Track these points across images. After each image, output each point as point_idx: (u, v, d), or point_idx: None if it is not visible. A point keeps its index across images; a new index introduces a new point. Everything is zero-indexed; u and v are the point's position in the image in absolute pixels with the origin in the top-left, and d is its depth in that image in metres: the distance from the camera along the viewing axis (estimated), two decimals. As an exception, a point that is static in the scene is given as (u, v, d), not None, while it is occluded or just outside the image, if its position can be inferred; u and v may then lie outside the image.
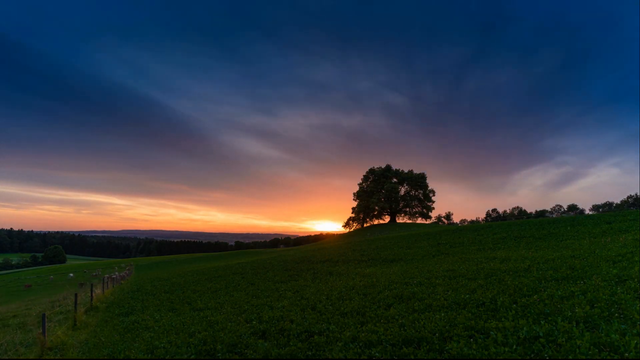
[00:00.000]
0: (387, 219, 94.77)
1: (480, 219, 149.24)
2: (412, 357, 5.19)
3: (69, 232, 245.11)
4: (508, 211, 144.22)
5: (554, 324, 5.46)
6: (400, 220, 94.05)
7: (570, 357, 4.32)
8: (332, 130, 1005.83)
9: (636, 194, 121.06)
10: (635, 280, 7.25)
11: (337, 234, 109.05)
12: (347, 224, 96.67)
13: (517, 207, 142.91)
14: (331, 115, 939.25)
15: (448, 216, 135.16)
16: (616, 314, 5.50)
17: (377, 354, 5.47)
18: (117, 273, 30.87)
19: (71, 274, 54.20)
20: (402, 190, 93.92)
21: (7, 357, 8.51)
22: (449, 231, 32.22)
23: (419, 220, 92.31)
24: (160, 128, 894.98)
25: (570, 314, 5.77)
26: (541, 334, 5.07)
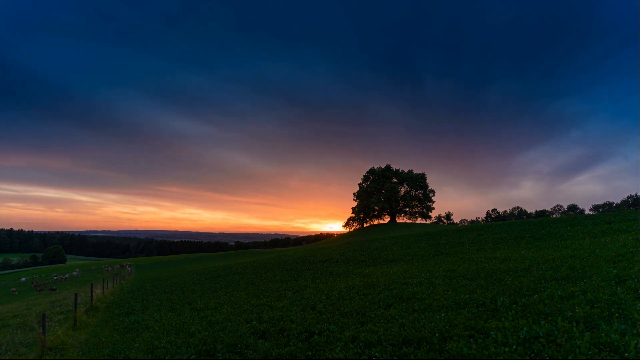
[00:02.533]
0: (387, 219, 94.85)
1: (480, 219, 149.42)
2: (412, 357, 5.19)
3: (68, 232, 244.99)
4: (508, 211, 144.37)
5: (554, 324, 5.46)
6: (400, 220, 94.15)
7: (570, 357, 4.32)
8: (258, 84, 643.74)
9: (636, 194, 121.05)
10: (636, 280, 7.25)
11: (337, 234, 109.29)
12: (347, 224, 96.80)
13: (517, 207, 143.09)
14: (242, 54, 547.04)
15: (448, 216, 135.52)
16: (616, 314, 5.49)
17: (377, 354, 5.47)
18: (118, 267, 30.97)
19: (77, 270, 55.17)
20: (402, 190, 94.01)
21: (7, 357, 8.51)
22: (449, 231, 32.21)
23: (419, 220, 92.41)
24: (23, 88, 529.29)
25: (570, 314, 5.77)
26: (541, 334, 5.07)
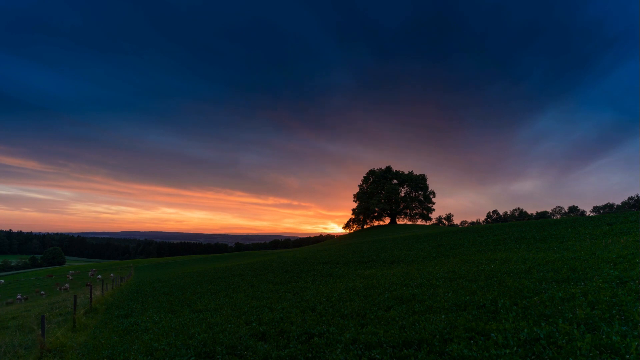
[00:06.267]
0: (387, 220, 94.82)
1: (480, 220, 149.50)
2: (413, 359, 5.17)
3: (68, 234, 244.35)
4: (509, 212, 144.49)
5: (554, 325, 5.44)
6: (401, 221, 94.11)
7: (571, 359, 4.31)
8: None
9: (637, 195, 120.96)
10: (636, 281, 7.23)
11: (337, 236, 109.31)
12: (347, 226, 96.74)
13: (518, 209, 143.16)
14: None
15: (448, 217, 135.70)
16: (617, 316, 5.48)
17: (377, 356, 5.45)
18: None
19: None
20: (403, 192, 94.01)
21: None
22: (450, 233, 32.19)
23: (419, 222, 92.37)
24: None
25: (571, 315, 5.76)
26: (542, 336, 5.05)
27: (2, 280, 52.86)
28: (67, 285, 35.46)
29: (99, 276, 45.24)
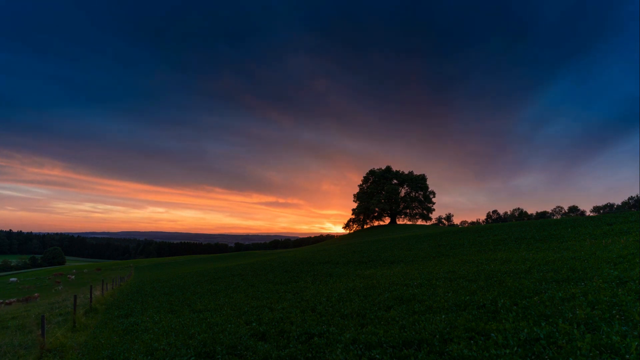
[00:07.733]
0: (387, 220, 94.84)
1: (480, 220, 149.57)
2: (413, 359, 5.17)
3: (68, 234, 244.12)
4: (509, 212, 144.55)
5: (554, 325, 5.44)
6: (401, 221, 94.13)
7: (571, 359, 4.31)
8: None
9: (637, 195, 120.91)
10: (636, 281, 7.23)
11: (337, 236, 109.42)
12: (347, 226, 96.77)
13: (518, 209, 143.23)
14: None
15: (448, 217, 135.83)
16: (617, 316, 5.47)
17: (377, 356, 5.45)
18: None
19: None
20: (403, 192, 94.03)
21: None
22: (450, 233, 32.19)
23: (419, 222, 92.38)
24: None
25: (571, 315, 5.75)
26: (542, 336, 5.05)
27: (15, 279, 53.04)
28: (60, 287, 35.50)
29: (86, 270, 45.21)
